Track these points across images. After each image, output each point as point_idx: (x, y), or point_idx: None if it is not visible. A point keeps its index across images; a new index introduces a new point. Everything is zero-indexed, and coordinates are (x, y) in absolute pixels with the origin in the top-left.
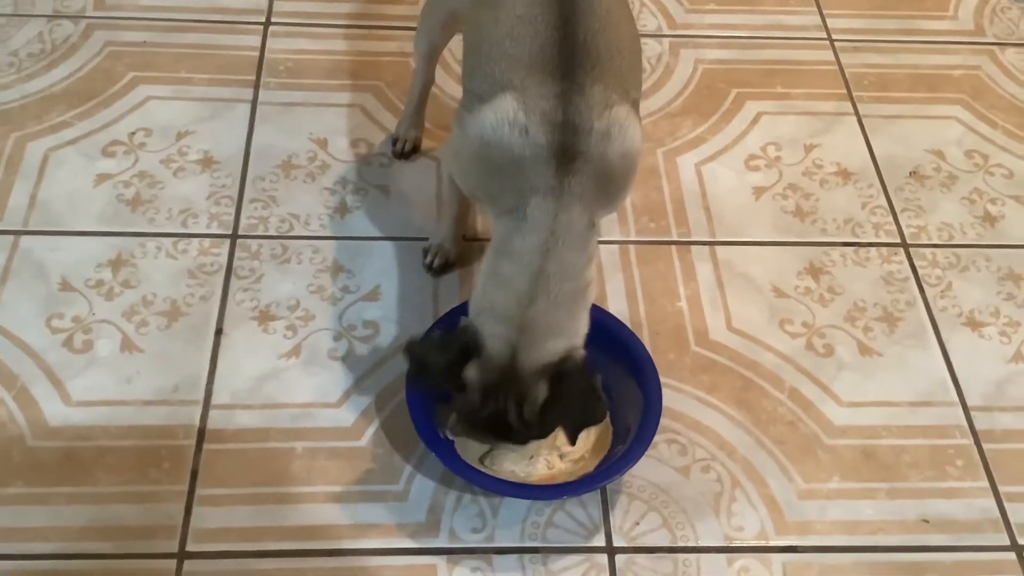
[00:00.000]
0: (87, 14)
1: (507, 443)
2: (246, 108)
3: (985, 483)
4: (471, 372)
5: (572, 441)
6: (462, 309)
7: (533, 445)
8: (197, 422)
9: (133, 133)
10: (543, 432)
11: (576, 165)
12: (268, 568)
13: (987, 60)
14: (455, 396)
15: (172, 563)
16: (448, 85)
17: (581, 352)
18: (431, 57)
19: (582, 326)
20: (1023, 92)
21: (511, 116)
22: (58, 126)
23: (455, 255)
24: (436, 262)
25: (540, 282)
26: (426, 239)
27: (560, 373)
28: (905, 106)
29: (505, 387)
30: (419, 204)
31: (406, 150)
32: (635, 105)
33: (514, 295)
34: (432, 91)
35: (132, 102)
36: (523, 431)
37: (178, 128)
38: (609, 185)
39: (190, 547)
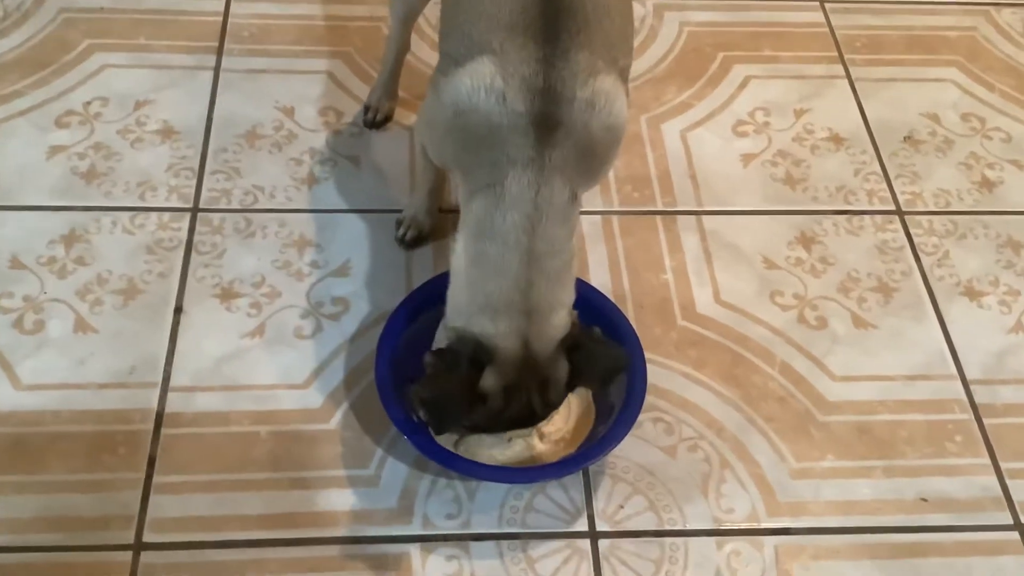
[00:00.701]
0: None
1: (528, 427)
2: (208, 76)
3: (986, 459)
4: (489, 381)
5: (602, 392)
6: (436, 283)
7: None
8: (155, 405)
9: (88, 103)
10: (561, 401)
11: (557, 136)
12: (229, 559)
13: (983, 21)
14: (470, 408)
15: (128, 555)
16: (423, 52)
17: (575, 313)
18: (407, 20)
19: (572, 292)
20: (1020, 54)
21: (488, 81)
22: (9, 96)
23: (429, 227)
24: (409, 235)
25: (533, 263)
26: (399, 211)
27: (572, 344)
28: (899, 68)
29: (527, 380)
30: (391, 175)
31: (378, 119)
32: (624, 73)
33: (511, 281)
34: (407, 58)
35: (88, 70)
36: (546, 412)
37: (136, 97)
38: (592, 159)
39: (147, 537)
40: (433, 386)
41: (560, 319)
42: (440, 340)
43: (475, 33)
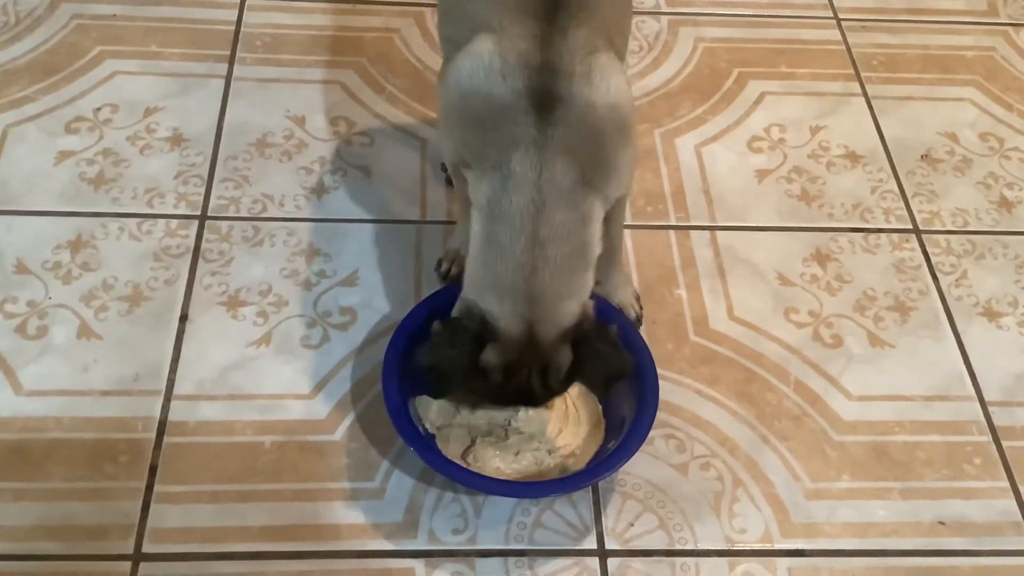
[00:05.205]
0: None
1: (526, 406)
2: (219, 84)
3: (1005, 483)
4: (490, 356)
5: (603, 396)
6: (445, 293)
7: (517, 439)
8: (158, 414)
9: (98, 109)
10: (563, 390)
11: (557, 114)
12: (230, 571)
13: (1001, 41)
14: (470, 378)
15: (127, 565)
16: (436, 62)
17: (591, 304)
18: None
19: (588, 283)
20: None
21: (486, 61)
22: (19, 101)
23: None
24: (453, 270)
25: (536, 250)
26: (409, 222)
27: (580, 337)
28: (916, 87)
29: (527, 361)
30: (402, 185)
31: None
32: (619, 55)
33: (514, 264)
34: (420, 69)
35: (98, 77)
36: (546, 395)
37: (146, 104)
38: (598, 139)
39: (147, 548)
40: (436, 354)
41: (568, 308)
42: (456, 308)
43: (476, 13)
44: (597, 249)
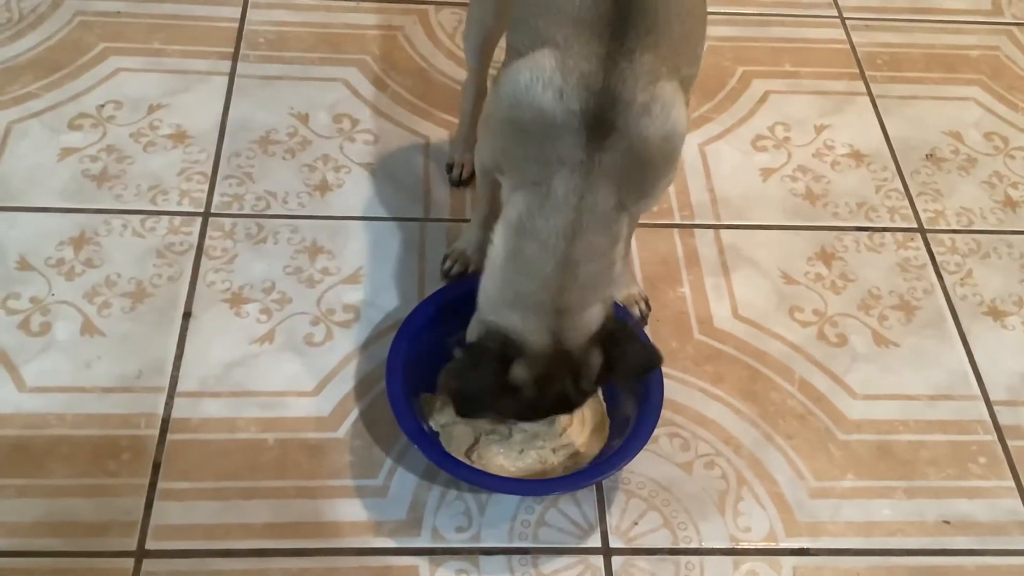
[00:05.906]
0: None
1: (563, 413)
2: (223, 81)
3: (1010, 482)
4: (520, 372)
5: (634, 389)
6: (451, 290)
7: (521, 437)
8: (161, 410)
9: (102, 106)
10: (595, 391)
11: (609, 141)
12: (233, 568)
13: (1006, 40)
14: (500, 399)
15: (129, 562)
16: (442, 63)
17: (612, 303)
18: (484, 51)
19: (611, 292)
20: None
21: (546, 75)
22: (23, 97)
23: (476, 264)
24: (455, 269)
25: (567, 270)
26: (412, 219)
27: (606, 337)
28: (920, 86)
29: (559, 370)
30: (405, 183)
31: (464, 177)
32: (686, 83)
33: (541, 282)
34: (426, 69)
35: (102, 73)
36: (580, 399)
37: (150, 101)
38: (645, 169)
39: (149, 545)
40: (461, 379)
41: (593, 314)
42: (472, 331)
43: (541, 25)
44: (620, 265)
